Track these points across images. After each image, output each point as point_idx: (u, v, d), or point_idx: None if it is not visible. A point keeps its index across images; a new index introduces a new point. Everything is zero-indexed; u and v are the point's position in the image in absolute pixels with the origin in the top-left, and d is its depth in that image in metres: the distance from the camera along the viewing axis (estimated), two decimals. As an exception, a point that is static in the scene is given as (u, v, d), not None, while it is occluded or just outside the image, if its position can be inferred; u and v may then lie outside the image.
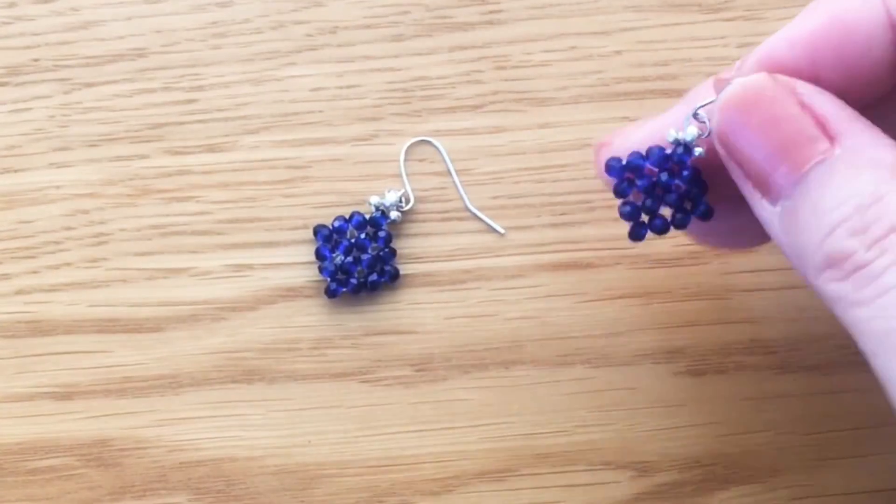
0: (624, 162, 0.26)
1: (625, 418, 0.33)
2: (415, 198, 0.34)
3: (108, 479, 0.33)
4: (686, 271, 0.33)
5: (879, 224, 0.21)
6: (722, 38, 0.35)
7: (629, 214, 0.26)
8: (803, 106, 0.22)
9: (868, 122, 0.22)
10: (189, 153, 0.34)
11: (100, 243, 0.34)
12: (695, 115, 0.25)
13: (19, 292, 0.33)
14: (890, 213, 0.21)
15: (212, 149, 0.34)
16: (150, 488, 0.33)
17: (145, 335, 0.33)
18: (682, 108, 0.26)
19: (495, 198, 0.34)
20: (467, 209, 0.34)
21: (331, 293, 0.33)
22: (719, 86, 0.24)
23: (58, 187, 0.34)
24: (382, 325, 0.33)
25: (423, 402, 0.33)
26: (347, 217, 0.33)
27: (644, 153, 0.25)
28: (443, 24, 0.35)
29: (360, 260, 0.33)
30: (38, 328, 0.33)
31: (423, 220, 0.34)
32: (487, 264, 0.34)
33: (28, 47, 0.34)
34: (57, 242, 0.34)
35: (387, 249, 0.33)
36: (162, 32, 0.35)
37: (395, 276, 0.33)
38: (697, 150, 0.25)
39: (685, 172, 0.25)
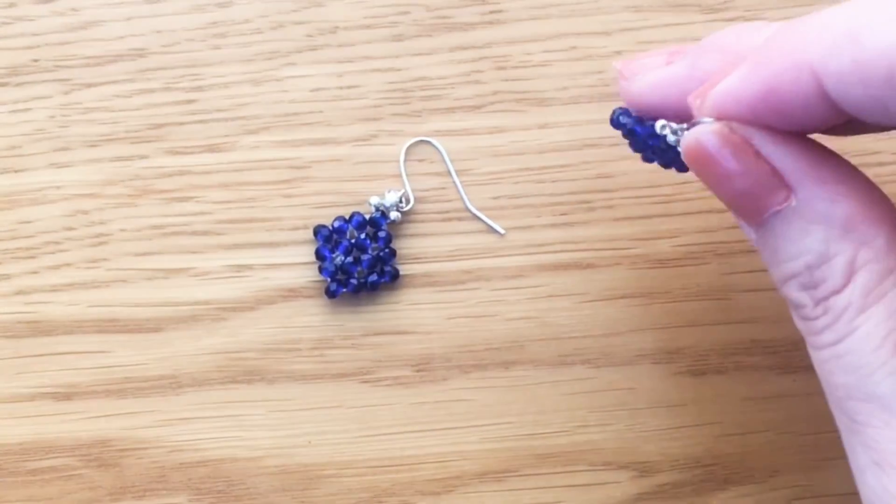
0: (623, 121, 0.27)
1: (625, 418, 0.33)
2: (415, 198, 0.34)
3: (108, 479, 0.33)
4: (686, 271, 0.33)
5: (826, 285, 0.22)
6: (722, 38, 0.34)
7: (636, 150, 0.28)
8: (759, 157, 0.23)
9: (825, 169, 0.23)
10: (189, 153, 0.34)
11: (100, 243, 0.34)
12: (673, 130, 0.25)
13: (19, 292, 0.33)
14: (835, 276, 0.22)
15: (212, 149, 0.34)
16: (151, 488, 0.33)
17: (145, 335, 0.33)
18: (692, 57, 0.26)
19: (495, 198, 0.34)
20: (467, 209, 0.34)
21: (331, 293, 0.33)
22: (698, 97, 0.24)
23: (58, 187, 0.34)
24: (382, 326, 0.33)
25: (423, 403, 0.33)
26: (347, 217, 0.33)
27: (641, 120, 0.26)
28: (443, 24, 0.35)
29: (360, 260, 0.33)
30: (38, 328, 0.33)
31: (423, 221, 0.34)
32: (487, 265, 0.34)
33: (28, 47, 0.34)
34: (57, 243, 0.34)
35: (387, 250, 0.33)
36: (162, 32, 0.35)
37: (395, 276, 0.33)
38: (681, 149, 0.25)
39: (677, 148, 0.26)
